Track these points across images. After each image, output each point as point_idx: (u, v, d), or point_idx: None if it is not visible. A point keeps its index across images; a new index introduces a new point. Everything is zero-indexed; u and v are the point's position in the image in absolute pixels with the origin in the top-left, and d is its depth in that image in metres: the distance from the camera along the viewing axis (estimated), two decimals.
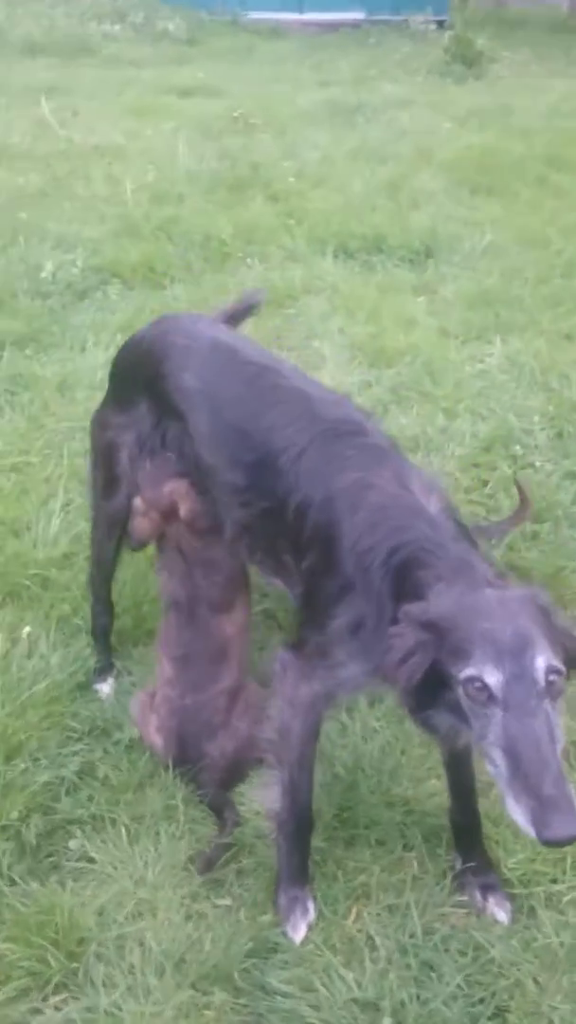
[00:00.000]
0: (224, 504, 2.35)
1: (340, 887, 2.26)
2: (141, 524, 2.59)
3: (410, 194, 7.15)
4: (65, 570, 3.16)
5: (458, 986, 2.04)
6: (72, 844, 2.36)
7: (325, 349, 4.82)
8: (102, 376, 4.24)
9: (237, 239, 6.17)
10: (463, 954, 2.12)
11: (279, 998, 2.03)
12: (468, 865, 2.29)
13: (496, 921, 2.21)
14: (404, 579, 1.90)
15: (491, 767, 1.70)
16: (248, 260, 5.96)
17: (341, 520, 2.02)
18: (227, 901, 2.27)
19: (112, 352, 4.37)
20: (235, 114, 9.39)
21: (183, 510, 2.49)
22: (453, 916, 2.22)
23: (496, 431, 4.01)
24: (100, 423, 2.71)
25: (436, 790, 2.48)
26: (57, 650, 2.88)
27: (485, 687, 1.68)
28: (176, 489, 2.48)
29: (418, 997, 2.02)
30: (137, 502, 2.58)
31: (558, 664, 1.70)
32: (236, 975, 2.09)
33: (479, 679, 1.68)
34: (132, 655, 2.94)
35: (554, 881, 2.26)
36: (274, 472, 2.17)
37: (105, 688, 2.82)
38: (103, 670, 2.85)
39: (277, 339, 5.01)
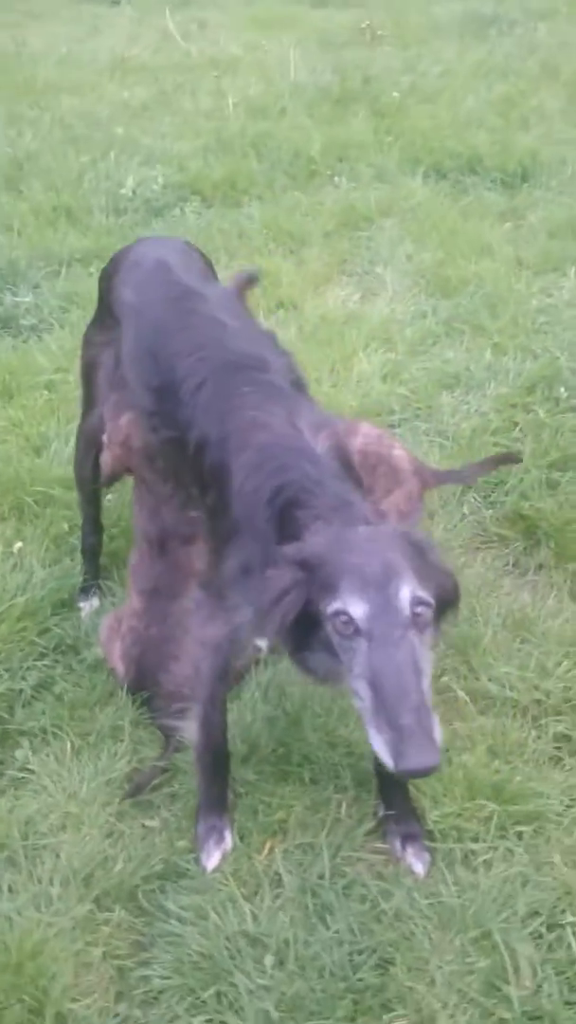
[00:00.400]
0: (142, 428, 2.35)
1: (259, 821, 2.28)
2: (105, 457, 2.61)
3: (523, 113, 6.75)
4: (71, 490, 3.23)
5: (348, 931, 2.04)
6: (18, 754, 2.46)
7: (388, 276, 4.67)
8: None
9: (328, 156, 6.01)
10: (363, 901, 2.11)
11: (173, 922, 2.08)
12: (390, 813, 2.26)
13: (412, 872, 2.18)
14: (287, 520, 1.87)
15: (357, 701, 1.68)
16: (336, 178, 5.79)
17: (231, 460, 1.99)
18: (155, 823, 2.33)
19: None
20: (362, 25, 9.05)
21: (137, 442, 2.49)
22: (364, 863, 2.21)
23: (543, 371, 3.81)
24: (85, 340, 2.75)
25: None
26: (46, 567, 2.97)
27: (351, 620, 1.66)
28: (132, 420, 2.48)
29: (305, 940, 2.03)
30: (105, 435, 2.60)
31: (424, 596, 1.68)
32: (141, 895, 2.15)
33: (345, 612, 1.66)
34: (119, 578, 2.99)
35: (475, 839, 2.21)
36: (176, 401, 2.16)
37: (87, 606, 2.89)
38: (88, 589, 2.93)
39: (342, 263, 4.89)
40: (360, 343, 4.10)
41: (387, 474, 2.79)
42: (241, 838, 2.26)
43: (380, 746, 1.60)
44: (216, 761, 2.26)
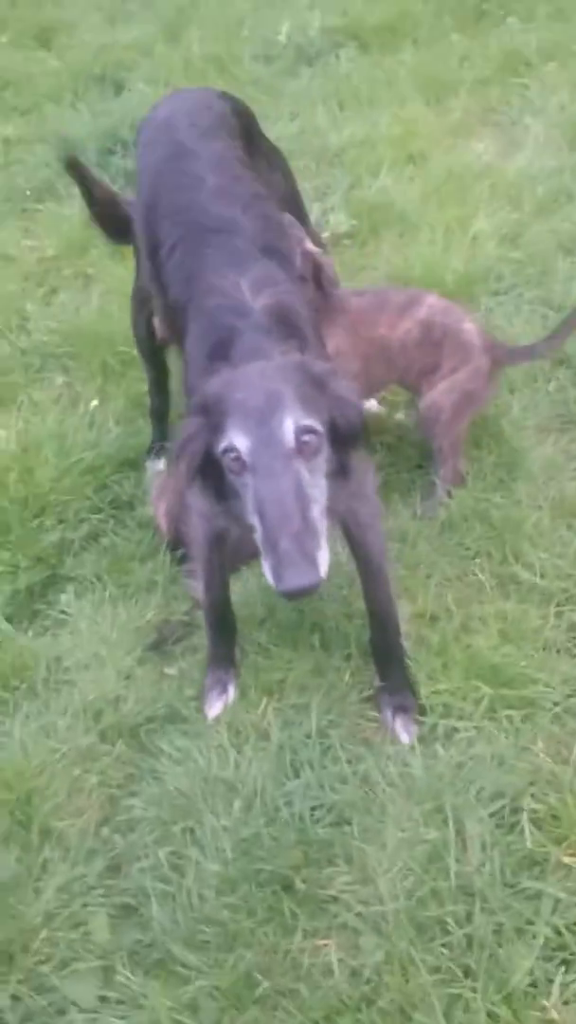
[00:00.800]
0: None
1: (260, 679, 2.39)
2: (157, 320, 2.68)
3: None
4: None
5: (316, 786, 2.14)
6: (62, 598, 2.68)
7: (533, 128, 4.34)
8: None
9: None
10: (335, 762, 2.20)
11: (164, 760, 2.26)
12: (383, 684, 2.32)
13: (398, 740, 2.24)
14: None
15: (255, 535, 1.71)
16: (508, 19, 5.34)
17: (190, 329, 2.02)
18: (172, 671, 2.50)
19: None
20: None
21: None
22: (349, 728, 2.28)
23: None
24: (130, 201, 2.77)
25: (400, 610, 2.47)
26: (120, 425, 3.12)
27: (239, 455, 1.69)
28: None
29: (273, 792, 2.15)
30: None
31: (310, 423, 1.69)
32: (143, 733, 2.34)
33: (233, 448, 1.70)
34: None
35: (461, 717, 2.23)
36: (159, 265, 2.17)
37: (152, 467, 3.03)
38: (154, 449, 3.06)
39: (487, 113, 4.58)
40: (483, 201, 3.89)
41: (454, 349, 2.70)
42: (243, 694, 2.39)
43: (266, 571, 1.64)
44: (220, 619, 2.38)
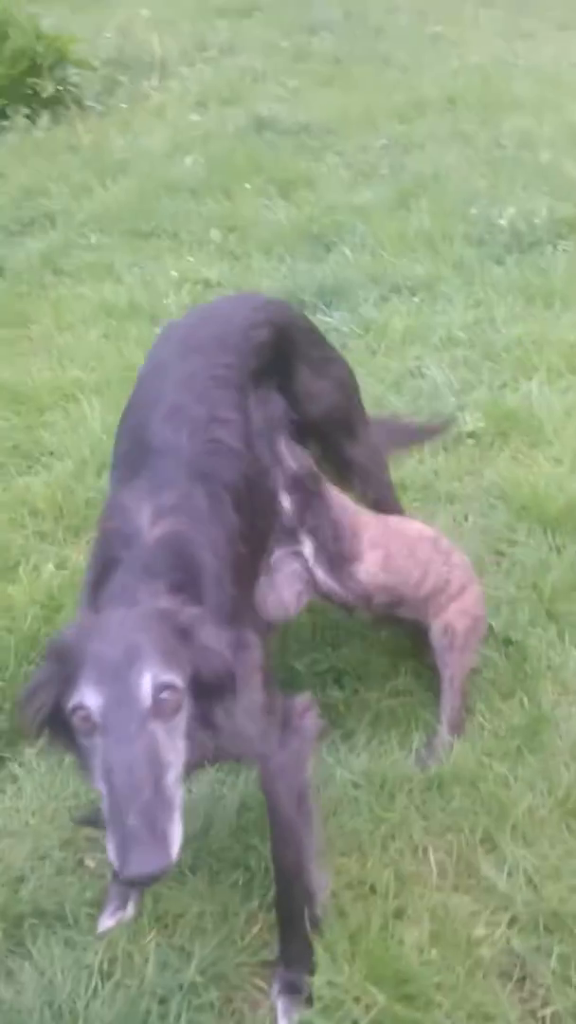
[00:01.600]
0: None
1: (159, 907, 2.20)
2: None
3: None
4: None
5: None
6: (28, 752, 2.60)
7: None
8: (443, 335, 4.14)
9: None
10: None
11: (26, 967, 2.11)
12: (280, 954, 2.08)
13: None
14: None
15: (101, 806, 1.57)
16: None
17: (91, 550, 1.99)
18: (92, 863, 2.34)
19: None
20: None
21: None
22: (234, 987, 2.04)
23: None
24: None
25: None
26: None
27: (88, 714, 1.56)
28: None
29: None
30: None
31: (170, 679, 1.58)
32: (25, 926, 2.20)
33: (82, 706, 1.57)
34: None
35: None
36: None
37: None
38: None
39: None
40: None
41: (461, 565, 2.63)
42: (137, 916, 2.20)
43: (109, 850, 1.50)
44: None
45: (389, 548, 2.53)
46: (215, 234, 5.50)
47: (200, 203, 5.92)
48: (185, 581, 1.81)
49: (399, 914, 2.13)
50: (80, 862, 2.36)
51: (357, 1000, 1.96)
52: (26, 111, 7.34)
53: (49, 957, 2.11)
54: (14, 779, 2.54)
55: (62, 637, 1.69)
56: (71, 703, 1.59)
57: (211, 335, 2.32)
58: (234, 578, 1.96)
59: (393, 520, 2.68)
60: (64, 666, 1.63)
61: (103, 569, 1.85)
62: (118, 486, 2.09)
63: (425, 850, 2.27)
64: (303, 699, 2.10)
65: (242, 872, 2.25)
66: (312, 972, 2.01)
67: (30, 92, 7.42)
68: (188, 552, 1.86)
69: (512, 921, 2.11)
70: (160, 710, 1.56)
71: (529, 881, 2.17)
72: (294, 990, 2.01)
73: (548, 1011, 1.97)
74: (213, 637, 1.67)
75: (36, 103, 7.43)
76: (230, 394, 2.20)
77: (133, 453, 2.10)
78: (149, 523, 1.87)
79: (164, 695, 1.57)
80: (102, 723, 1.55)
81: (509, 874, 2.18)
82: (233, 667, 1.69)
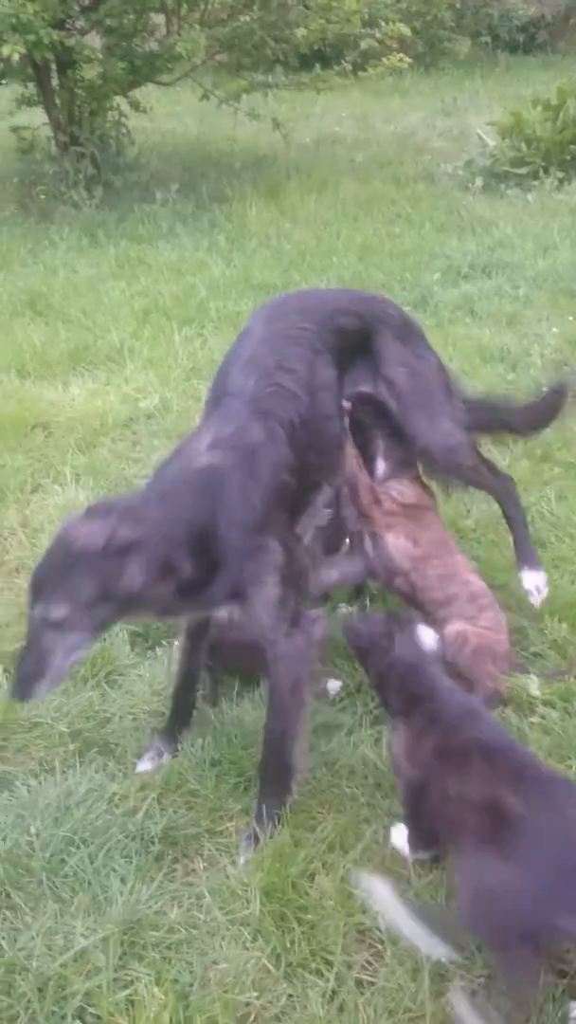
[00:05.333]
0: None
1: None
2: None
3: None
4: None
5: None
6: None
7: None
8: None
9: None
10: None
11: None
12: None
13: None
14: None
15: None
16: None
17: None
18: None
19: None
20: None
21: None
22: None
23: None
24: None
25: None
26: None
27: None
28: None
29: None
30: None
31: (55, 611, 2.10)
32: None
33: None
34: None
35: None
36: None
37: None
38: None
39: None
40: None
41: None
42: None
43: None
44: (179, 699, 2.64)
45: (431, 559, 2.70)
46: None
47: None
48: (203, 511, 2.21)
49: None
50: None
51: None
52: (560, 174, 7.65)
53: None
54: None
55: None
56: None
57: (298, 308, 2.67)
58: (271, 499, 2.29)
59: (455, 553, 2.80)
60: None
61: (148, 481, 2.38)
62: (200, 422, 2.50)
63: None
64: (316, 611, 2.45)
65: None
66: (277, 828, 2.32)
67: (568, 158, 7.71)
68: (217, 484, 2.23)
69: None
70: (49, 625, 2.10)
71: None
72: (256, 839, 2.30)
73: None
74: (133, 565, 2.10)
75: (572, 168, 7.69)
76: (300, 351, 2.51)
77: (214, 395, 2.49)
78: (204, 451, 2.28)
79: (53, 617, 2.09)
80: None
81: None
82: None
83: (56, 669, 2.15)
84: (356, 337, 2.66)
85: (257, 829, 2.31)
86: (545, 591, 2.84)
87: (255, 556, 2.25)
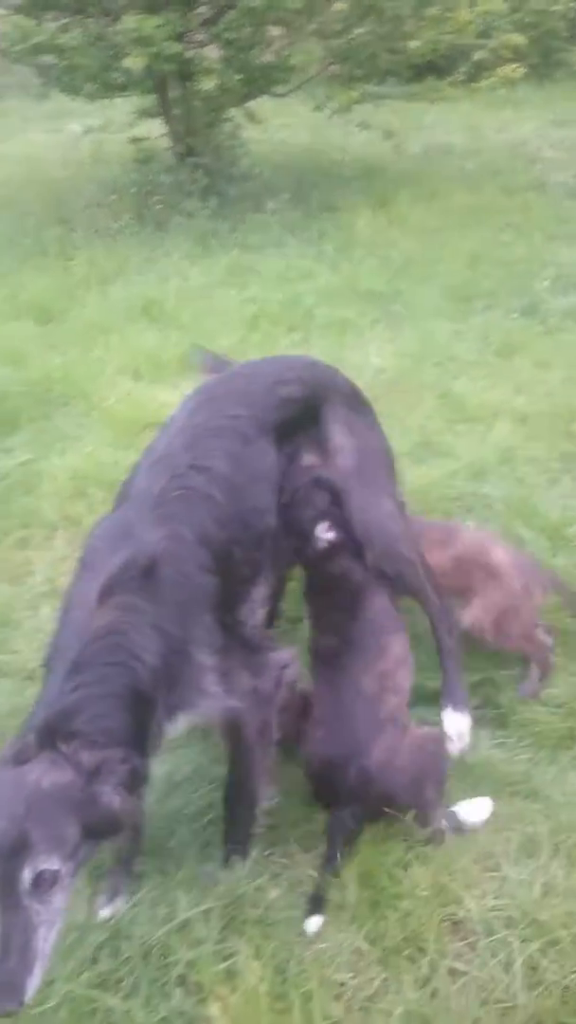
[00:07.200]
0: None
1: None
2: None
3: None
4: None
5: None
6: None
7: None
8: None
9: None
10: None
11: None
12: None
13: None
14: None
15: None
16: None
17: None
18: None
19: None
20: None
21: None
22: None
23: None
24: None
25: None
26: None
27: None
28: None
29: None
30: None
31: (45, 866, 1.77)
32: None
33: None
34: None
35: None
36: None
37: None
38: None
39: None
40: None
41: (484, 579, 2.82)
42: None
43: None
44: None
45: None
46: None
47: None
48: (123, 676, 1.99)
49: None
50: None
51: None
52: None
53: None
54: None
55: None
56: None
57: (231, 391, 2.54)
58: (186, 614, 2.14)
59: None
60: None
61: (48, 657, 2.07)
62: (98, 522, 2.32)
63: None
64: (286, 653, 2.39)
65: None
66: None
67: None
68: (124, 644, 2.01)
69: None
70: (37, 888, 1.76)
71: None
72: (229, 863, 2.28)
73: None
74: (104, 788, 1.86)
75: None
76: (223, 444, 2.36)
77: (121, 493, 2.34)
78: (95, 605, 2.03)
79: (43, 876, 1.77)
80: None
81: None
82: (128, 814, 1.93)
83: (44, 957, 1.77)
84: (301, 406, 2.54)
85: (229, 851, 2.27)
86: (467, 739, 2.58)
87: (187, 675, 2.10)
